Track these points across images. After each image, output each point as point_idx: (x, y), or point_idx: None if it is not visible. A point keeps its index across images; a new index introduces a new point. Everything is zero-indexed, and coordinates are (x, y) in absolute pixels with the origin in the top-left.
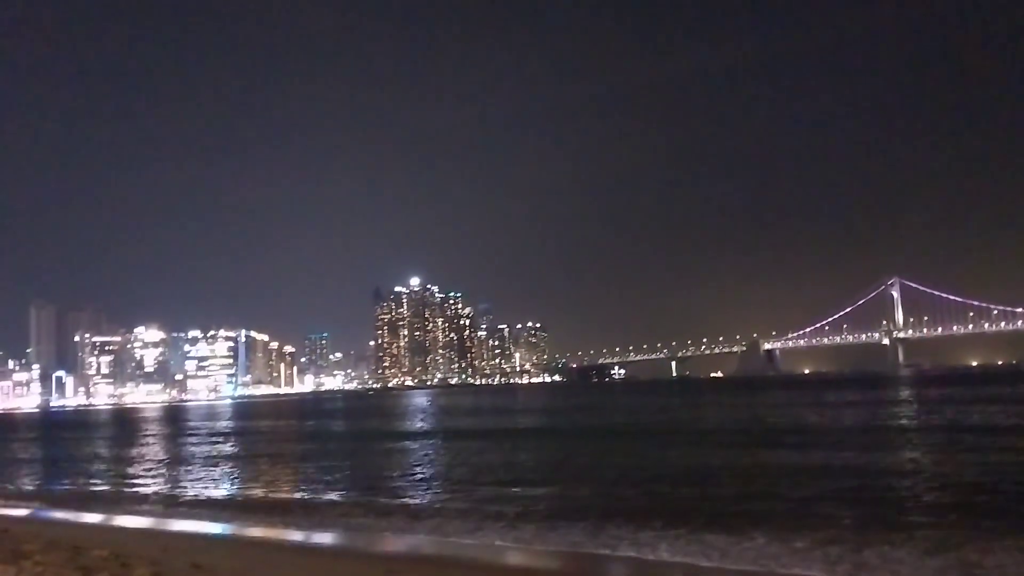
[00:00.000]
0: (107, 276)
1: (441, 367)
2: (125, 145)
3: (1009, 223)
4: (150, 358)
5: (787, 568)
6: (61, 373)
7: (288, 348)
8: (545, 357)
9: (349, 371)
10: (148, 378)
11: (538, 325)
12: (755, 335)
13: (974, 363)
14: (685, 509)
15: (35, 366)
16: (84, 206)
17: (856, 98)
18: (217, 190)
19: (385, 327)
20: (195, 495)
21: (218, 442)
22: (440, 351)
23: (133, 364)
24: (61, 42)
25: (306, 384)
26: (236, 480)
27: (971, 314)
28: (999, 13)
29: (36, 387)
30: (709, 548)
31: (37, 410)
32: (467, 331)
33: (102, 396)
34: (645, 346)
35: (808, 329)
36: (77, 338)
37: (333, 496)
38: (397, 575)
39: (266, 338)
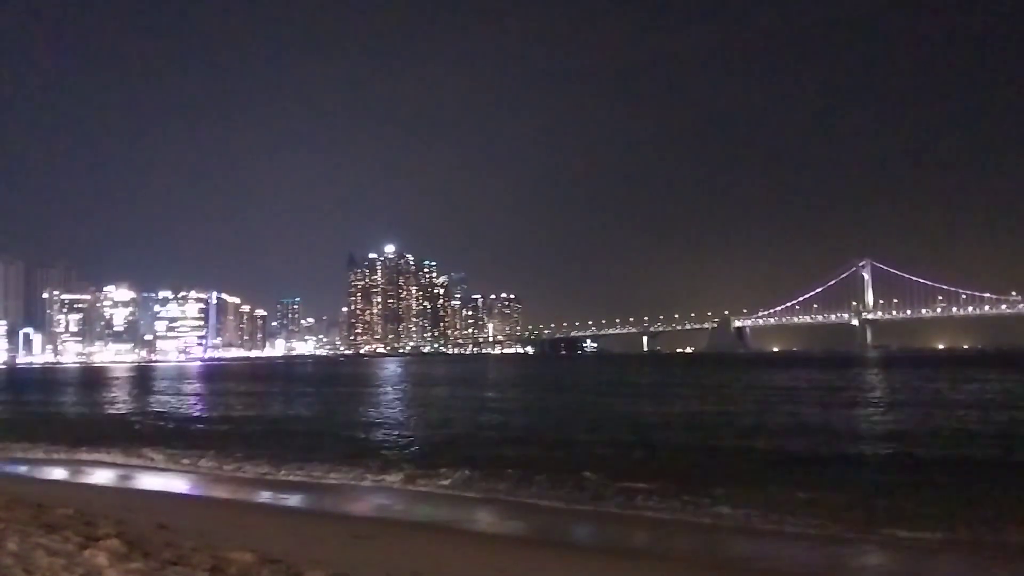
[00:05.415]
0: (78, 233)
1: (414, 335)
2: (99, 103)
3: (980, 209)
4: (120, 317)
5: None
6: (29, 330)
7: (260, 311)
8: (518, 328)
9: (321, 336)
10: (117, 337)
11: (512, 296)
12: (726, 312)
13: (941, 346)
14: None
15: (2, 322)
16: (56, 162)
17: (832, 80)
18: (192, 151)
19: (359, 294)
20: (162, 456)
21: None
22: (413, 319)
23: (102, 323)
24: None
25: (277, 348)
26: (203, 440)
27: (940, 298)
28: None
29: (3, 343)
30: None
31: (3, 366)
32: (441, 300)
33: (70, 354)
34: (617, 320)
35: (779, 308)
36: (46, 295)
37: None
38: (363, 539)
39: (237, 301)
